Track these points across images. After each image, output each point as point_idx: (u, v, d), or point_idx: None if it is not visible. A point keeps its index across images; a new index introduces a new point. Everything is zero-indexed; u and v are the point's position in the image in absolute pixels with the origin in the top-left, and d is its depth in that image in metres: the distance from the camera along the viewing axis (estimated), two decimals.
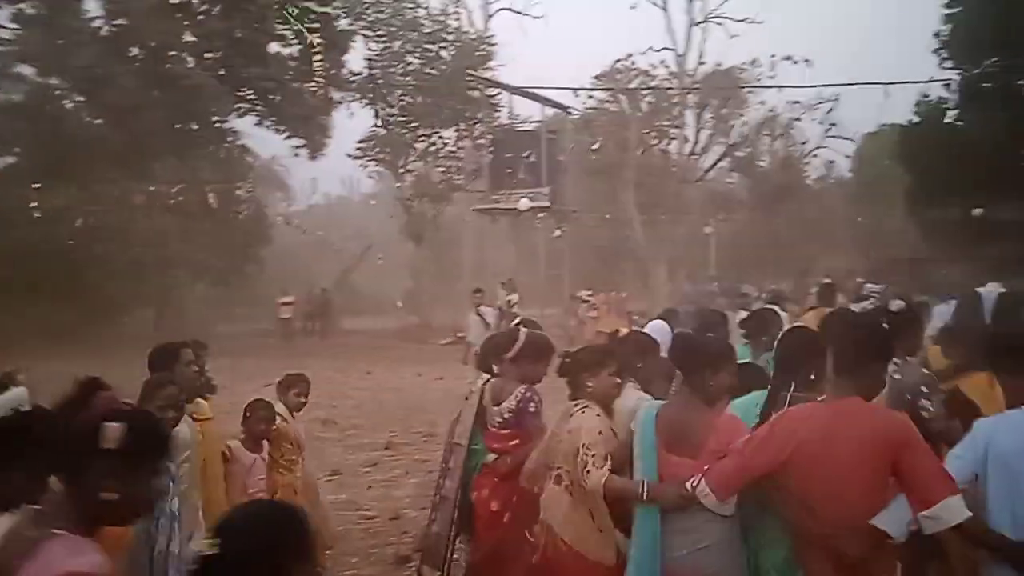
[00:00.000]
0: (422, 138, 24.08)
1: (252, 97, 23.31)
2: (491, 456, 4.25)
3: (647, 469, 3.15)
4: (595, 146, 22.87)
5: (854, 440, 2.67)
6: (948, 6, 23.42)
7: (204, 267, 22.22)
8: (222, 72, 22.00)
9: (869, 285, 18.00)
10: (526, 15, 33.54)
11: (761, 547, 3.04)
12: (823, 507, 2.68)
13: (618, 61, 27.82)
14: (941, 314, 7.63)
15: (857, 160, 40.93)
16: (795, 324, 4.36)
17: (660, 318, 7.10)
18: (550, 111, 25.40)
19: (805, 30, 58.12)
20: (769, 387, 3.41)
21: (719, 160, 31.46)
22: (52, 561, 1.78)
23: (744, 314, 7.74)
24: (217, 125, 23.17)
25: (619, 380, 3.66)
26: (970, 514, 2.57)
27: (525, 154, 21.60)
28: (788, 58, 26.72)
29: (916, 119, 24.80)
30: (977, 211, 22.63)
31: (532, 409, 4.09)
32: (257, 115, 23.84)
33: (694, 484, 2.89)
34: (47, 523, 1.84)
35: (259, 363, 14.47)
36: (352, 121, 24.77)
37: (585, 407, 3.51)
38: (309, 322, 25.90)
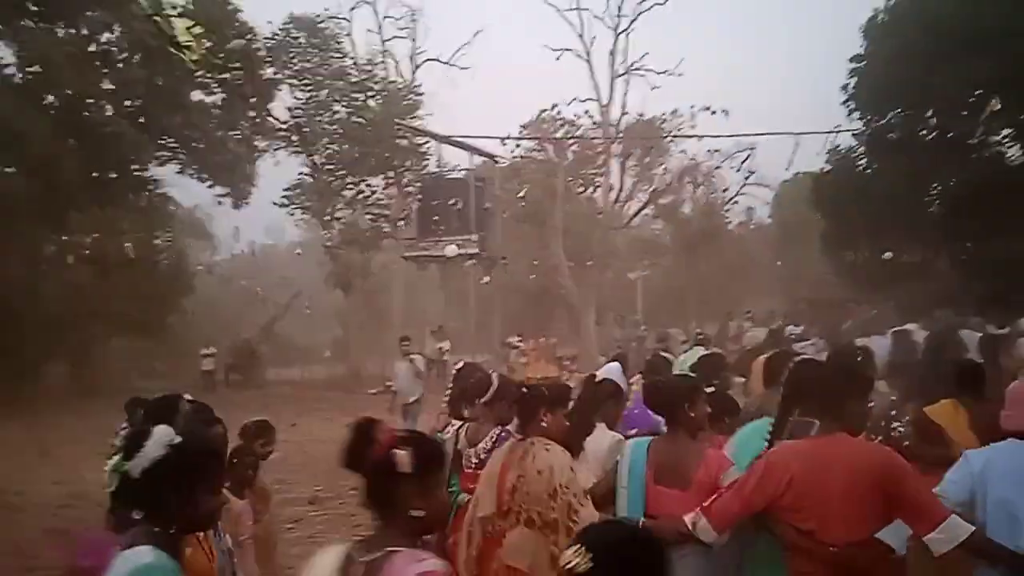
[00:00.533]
0: (350, 186, 24.02)
1: (174, 145, 22.90)
2: (464, 496, 4.29)
3: (635, 501, 3.28)
4: (522, 194, 23.14)
5: (846, 472, 2.85)
6: (853, 61, 24.77)
7: (123, 319, 21.42)
8: (142, 120, 21.57)
9: (791, 327, 18.59)
10: (453, 66, 34.12)
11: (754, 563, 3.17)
12: (821, 532, 2.84)
13: (544, 111, 28.43)
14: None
15: (776, 206, 42.52)
16: (804, 357, 4.66)
17: (614, 360, 7.45)
18: (478, 159, 25.63)
19: (723, 83, 60.54)
20: (777, 414, 3.63)
21: (644, 207, 32.21)
22: (403, 569, 2.06)
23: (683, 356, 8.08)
24: (137, 174, 22.62)
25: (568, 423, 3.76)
26: (974, 528, 2.82)
27: (453, 202, 21.66)
28: (707, 108, 27.72)
29: (828, 167, 25.95)
30: (887, 254, 23.69)
31: None
32: (179, 163, 23.41)
33: (694, 521, 3.00)
34: (376, 546, 2.13)
35: None
36: (278, 169, 24.58)
37: (547, 446, 3.50)
38: (233, 373, 25.18)
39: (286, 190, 24.79)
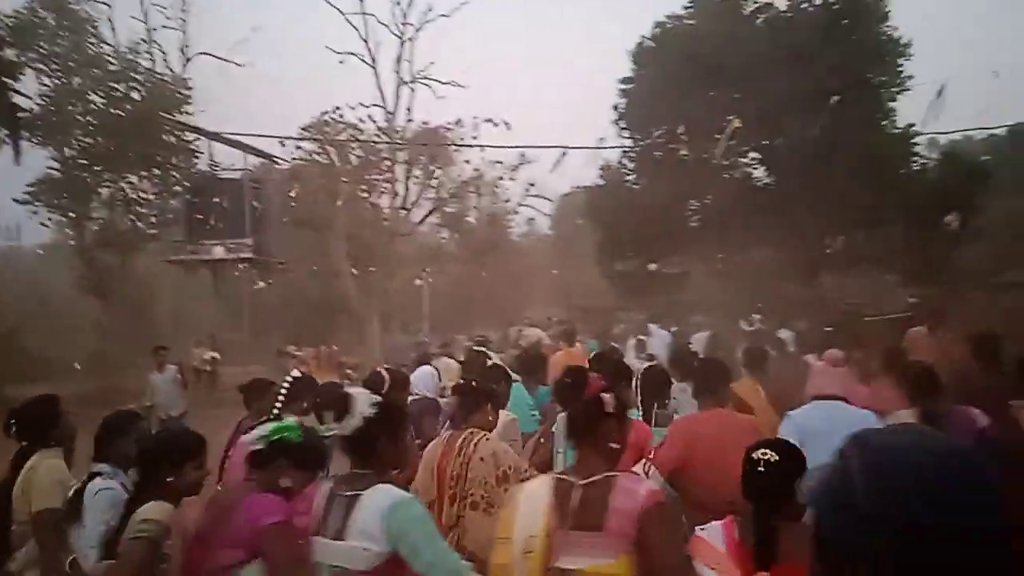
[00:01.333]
0: (107, 183, 21.85)
1: None
2: None
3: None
4: (298, 196, 22.30)
5: (735, 435, 3.69)
6: (623, 82, 26.38)
7: None
8: None
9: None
10: (229, 61, 32.32)
11: None
12: (721, 486, 3.46)
13: (326, 113, 27.58)
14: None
15: (555, 218, 44.39)
16: (650, 364, 6.03)
17: (427, 364, 8.81)
18: (255, 160, 24.41)
19: (505, 96, 62.51)
20: (641, 406, 4.94)
21: (429, 214, 32.19)
22: (631, 487, 2.67)
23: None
24: None
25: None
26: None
27: (227, 203, 20.47)
28: (489, 120, 28.19)
29: (601, 182, 27.41)
30: (652, 265, 25.45)
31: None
32: None
33: (646, 468, 3.91)
34: (586, 472, 2.73)
35: None
36: (20, 163, 21.74)
37: (486, 435, 3.99)
38: None
39: (30, 186, 22.09)
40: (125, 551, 2.93)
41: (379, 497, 2.70)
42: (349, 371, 22.42)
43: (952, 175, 22.73)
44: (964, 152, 26.35)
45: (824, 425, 3.94)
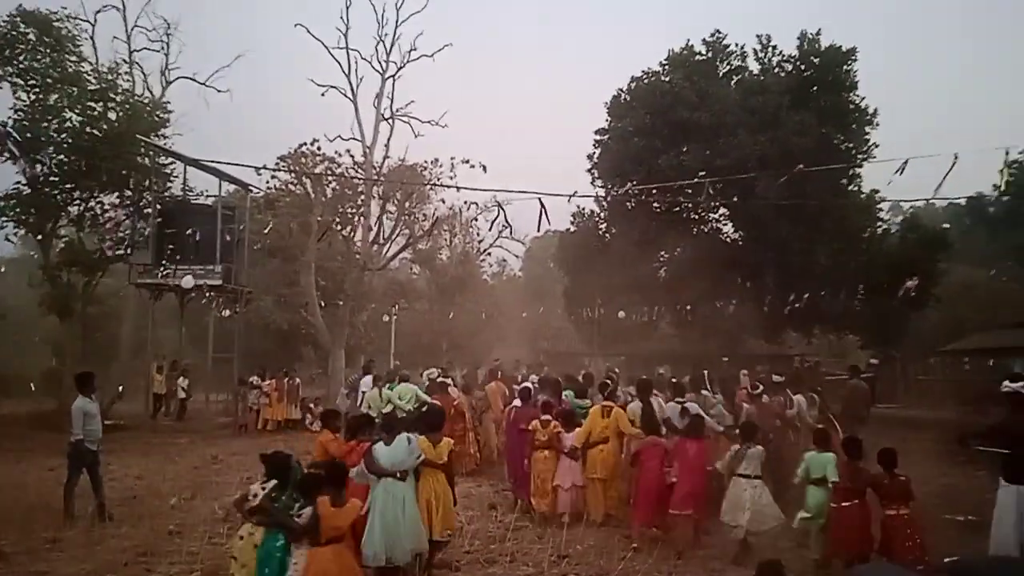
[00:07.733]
0: (77, 201, 21.62)
1: None
2: None
3: None
4: (270, 227, 22.23)
5: None
6: (598, 133, 26.82)
7: None
8: None
9: (532, 376, 19.39)
10: (210, 87, 32.37)
11: None
12: None
13: (303, 144, 27.68)
14: None
15: (526, 261, 44.64)
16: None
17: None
18: (229, 187, 24.37)
19: (482, 139, 63.01)
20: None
21: (401, 251, 32.25)
22: None
23: None
24: None
25: None
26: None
27: (197, 229, 20.35)
28: (466, 162, 28.44)
29: (572, 228, 27.68)
30: (621, 314, 25.65)
31: None
32: None
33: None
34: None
35: None
36: None
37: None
38: None
39: None
40: None
41: None
42: (311, 404, 22.14)
43: (913, 242, 23.37)
44: (925, 220, 27.15)
45: None
